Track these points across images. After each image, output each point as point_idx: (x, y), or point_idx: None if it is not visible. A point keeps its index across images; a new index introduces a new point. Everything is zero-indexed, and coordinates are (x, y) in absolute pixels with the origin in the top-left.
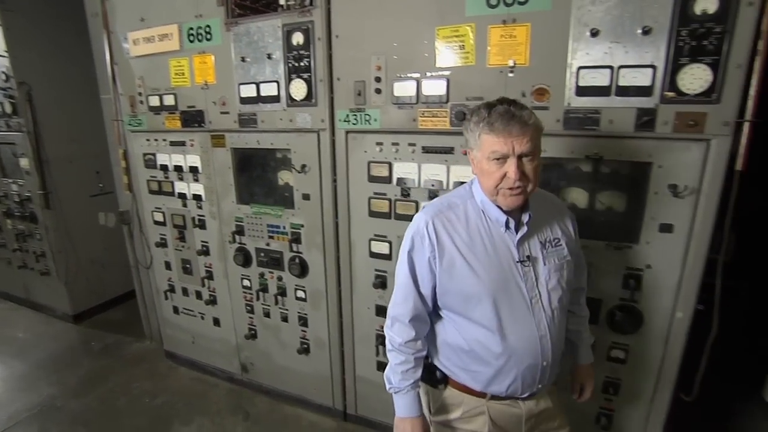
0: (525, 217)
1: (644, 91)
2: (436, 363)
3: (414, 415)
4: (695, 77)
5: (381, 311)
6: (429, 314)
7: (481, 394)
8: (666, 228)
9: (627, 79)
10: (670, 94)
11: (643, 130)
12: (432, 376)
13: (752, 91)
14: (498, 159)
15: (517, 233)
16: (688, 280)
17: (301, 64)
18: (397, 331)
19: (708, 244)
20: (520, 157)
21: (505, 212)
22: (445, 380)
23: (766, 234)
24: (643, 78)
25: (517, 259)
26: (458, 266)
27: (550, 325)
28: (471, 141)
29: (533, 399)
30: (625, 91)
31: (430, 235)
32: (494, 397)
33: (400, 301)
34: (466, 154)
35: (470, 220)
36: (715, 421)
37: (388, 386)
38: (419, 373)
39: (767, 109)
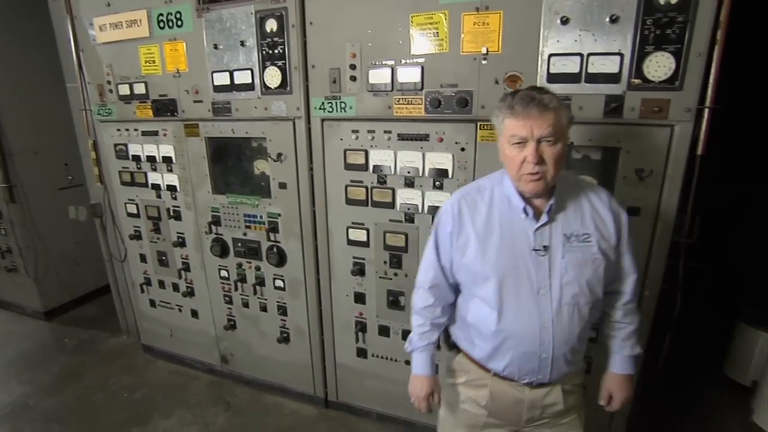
0: (546, 207)
1: (612, 78)
2: (451, 332)
3: (425, 374)
4: (660, 65)
5: (360, 298)
6: (451, 286)
7: (485, 368)
8: (634, 211)
9: (596, 66)
10: (637, 81)
11: (612, 116)
12: (447, 341)
13: (712, 78)
14: (518, 143)
15: (538, 221)
16: (654, 261)
17: (276, 51)
18: (419, 296)
19: (673, 225)
20: (539, 141)
21: (525, 199)
22: (457, 347)
23: (726, 218)
24: (611, 65)
25: (533, 247)
26: (471, 246)
27: (555, 319)
28: (497, 127)
29: (542, 389)
30: (594, 78)
31: (453, 214)
32: (497, 375)
33: (423, 271)
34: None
35: (494, 204)
36: (680, 394)
37: (407, 346)
38: (435, 337)
39: (725, 96)
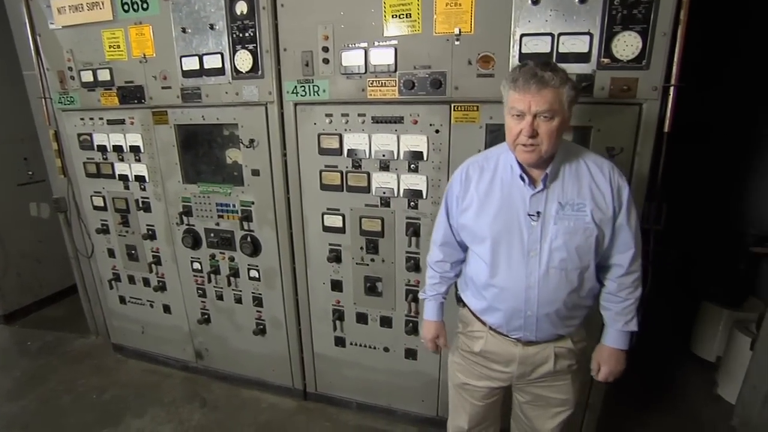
0: (542, 175)
1: (582, 58)
2: (459, 286)
3: (432, 319)
4: (627, 44)
5: (336, 286)
6: (459, 244)
7: (482, 321)
8: None
9: (566, 46)
10: (606, 60)
11: (582, 95)
12: (456, 295)
13: (676, 57)
14: (517, 115)
15: (534, 188)
16: None
17: (246, 34)
18: (432, 252)
19: (642, 204)
20: (535, 116)
21: (524, 168)
22: (463, 301)
23: (690, 204)
24: (581, 45)
25: (528, 212)
26: (473, 207)
27: (541, 280)
28: (504, 96)
29: (533, 347)
30: (564, 58)
31: (462, 178)
32: (492, 329)
33: (435, 230)
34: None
35: (498, 171)
36: (649, 370)
37: (421, 294)
38: (443, 289)
39: (689, 75)
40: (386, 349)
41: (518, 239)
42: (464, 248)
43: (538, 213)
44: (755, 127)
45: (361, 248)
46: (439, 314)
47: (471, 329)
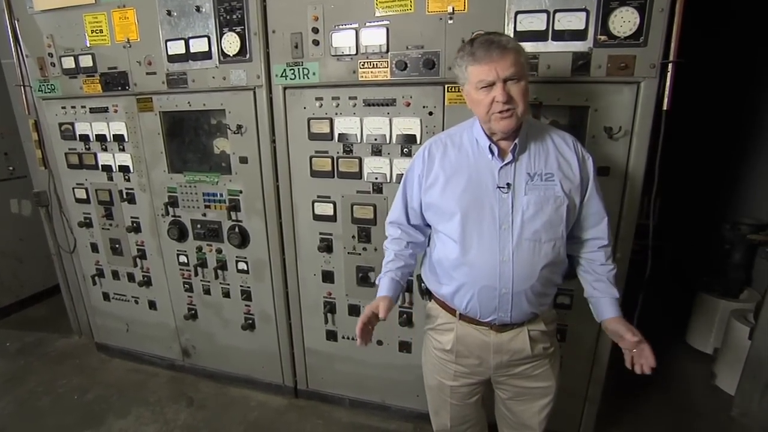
0: (511, 146)
1: (579, 35)
2: (423, 277)
3: (382, 295)
4: (624, 20)
5: (328, 277)
6: (414, 226)
7: (452, 311)
8: (603, 171)
9: (562, 23)
10: (603, 37)
11: (579, 74)
12: (420, 288)
13: (674, 33)
14: (485, 87)
15: (503, 161)
16: (625, 222)
17: (234, 16)
18: (388, 231)
19: (642, 181)
20: (505, 81)
21: (490, 140)
22: (429, 294)
23: (683, 195)
24: (577, 21)
25: (497, 185)
26: (438, 184)
27: (515, 253)
28: (460, 76)
29: (507, 332)
30: (560, 36)
31: (424, 156)
32: (463, 318)
33: (392, 209)
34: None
35: (463, 147)
36: None
37: (376, 280)
38: (397, 266)
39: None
40: (379, 342)
41: (489, 213)
42: (421, 232)
43: (508, 185)
44: (746, 114)
45: (353, 237)
46: (389, 290)
47: (440, 322)
